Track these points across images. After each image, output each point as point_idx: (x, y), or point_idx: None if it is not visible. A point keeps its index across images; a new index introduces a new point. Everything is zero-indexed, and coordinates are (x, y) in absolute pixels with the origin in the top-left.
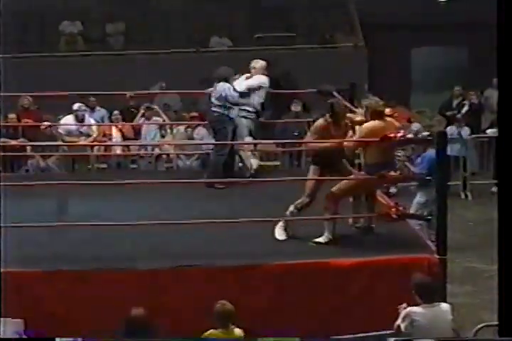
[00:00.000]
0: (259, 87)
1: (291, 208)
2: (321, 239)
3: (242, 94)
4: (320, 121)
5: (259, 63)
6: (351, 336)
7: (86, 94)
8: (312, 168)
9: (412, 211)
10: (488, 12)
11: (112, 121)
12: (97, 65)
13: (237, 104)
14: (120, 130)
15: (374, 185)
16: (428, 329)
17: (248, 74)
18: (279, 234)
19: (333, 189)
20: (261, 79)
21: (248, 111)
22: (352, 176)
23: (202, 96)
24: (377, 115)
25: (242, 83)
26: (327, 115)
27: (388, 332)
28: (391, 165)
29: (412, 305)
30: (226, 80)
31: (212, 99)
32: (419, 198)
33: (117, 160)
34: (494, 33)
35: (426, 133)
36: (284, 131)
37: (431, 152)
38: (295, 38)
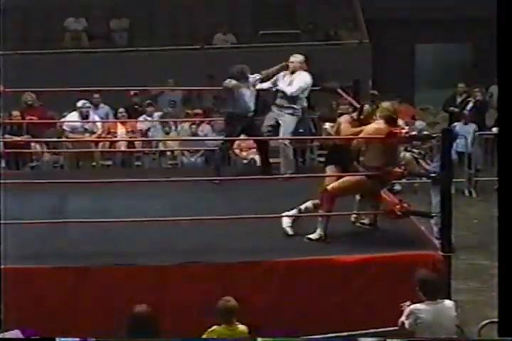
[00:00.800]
0: (306, 87)
1: (309, 204)
2: (312, 236)
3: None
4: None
5: (298, 58)
6: (352, 333)
7: (90, 90)
8: (329, 168)
9: (433, 211)
10: (493, 8)
11: (117, 119)
12: (101, 62)
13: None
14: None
15: (373, 186)
16: (432, 326)
17: (287, 73)
18: (286, 224)
19: (329, 187)
20: (307, 80)
21: (294, 109)
22: (352, 176)
23: (206, 93)
24: (390, 119)
25: (290, 83)
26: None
27: (392, 328)
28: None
29: (416, 302)
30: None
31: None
32: (438, 198)
33: (122, 158)
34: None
35: (426, 132)
36: None
37: None
38: (299, 34)
